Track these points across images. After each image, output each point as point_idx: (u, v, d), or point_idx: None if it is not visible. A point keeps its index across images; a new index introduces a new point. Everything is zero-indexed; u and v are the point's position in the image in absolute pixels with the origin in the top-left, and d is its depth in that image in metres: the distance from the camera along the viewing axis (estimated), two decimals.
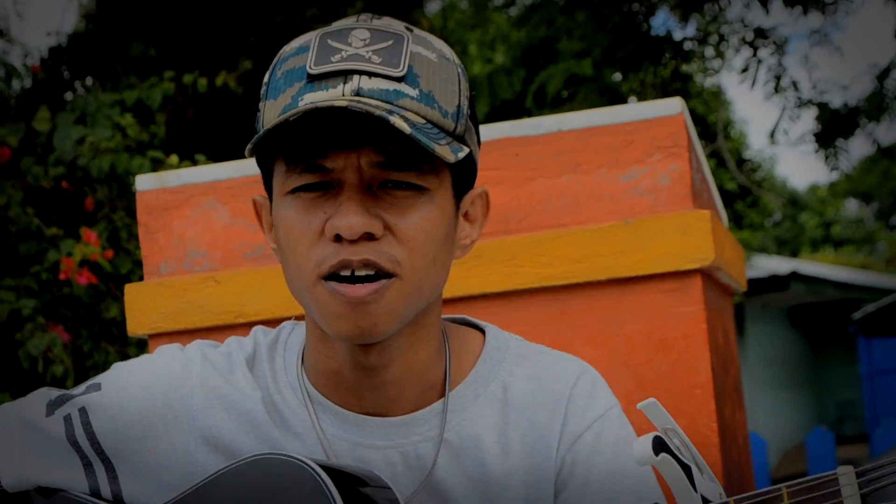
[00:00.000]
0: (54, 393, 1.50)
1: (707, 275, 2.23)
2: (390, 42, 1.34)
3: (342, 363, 1.42)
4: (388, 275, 1.33)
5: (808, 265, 20.61)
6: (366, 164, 1.32)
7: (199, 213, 2.30)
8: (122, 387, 1.48)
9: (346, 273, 1.32)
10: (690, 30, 7.97)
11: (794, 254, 29.27)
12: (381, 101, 1.30)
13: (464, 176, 1.42)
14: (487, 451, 1.45)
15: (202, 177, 2.31)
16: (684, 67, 8.30)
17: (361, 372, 1.42)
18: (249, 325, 2.17)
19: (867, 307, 17.07)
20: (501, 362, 1.50)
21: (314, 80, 1.31)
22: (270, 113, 1.33)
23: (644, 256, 2.16)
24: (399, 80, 1.32)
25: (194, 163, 5.00)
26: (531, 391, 1.48)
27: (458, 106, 1.37)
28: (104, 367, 4.74)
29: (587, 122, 2.21)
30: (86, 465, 1.45)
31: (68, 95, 7.21)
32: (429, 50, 1.36)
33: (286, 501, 1.31)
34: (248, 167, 2.31)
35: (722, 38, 7.77)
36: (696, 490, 1.13)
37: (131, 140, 5.06)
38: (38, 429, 1.46)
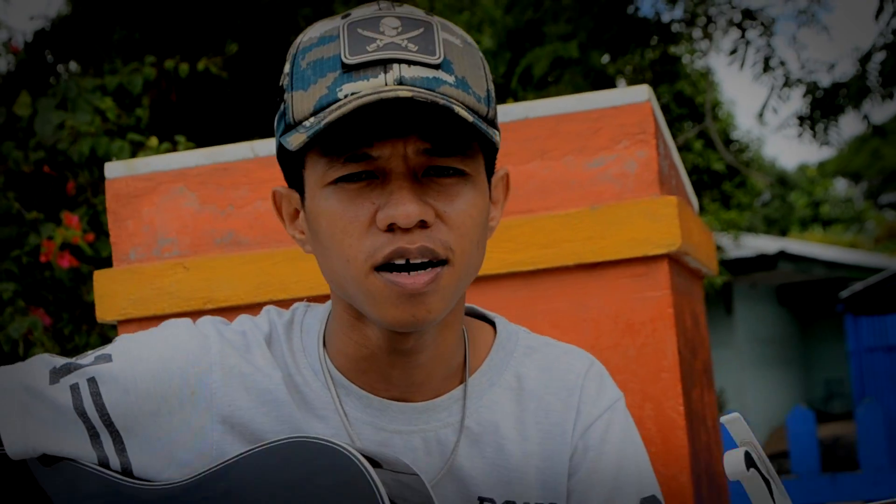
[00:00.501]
0: (58, 360, 1.46)
1: (674, 260, 2.25)
2: (421, 30, 1.34)
3: (375, 348, 1.43)
4: (441, 261, 1.34)
5: (796, 244, 20.66)
6: (412, 152, 1.32)
7: (168, 201, 2.30)
8: (135, 359, 1.45)
9: (401, 262, 1.32)
10: (678, 12, 7.98)
11: (784, 233, 29.32)
12: (424, 88, 1.30)
13: (492, 159, 1.44)
14: (506, 437, 1.49)
15: (171, 164, 2.32)
16: (672, 49, 8.31)
17: (396, 356, 1.43)
18: (218, 312, 2.19)
19: (855, 286, 17.14)
20: (512, 353, 1.54)
21: (351, 69, 1.31)
22: (302, 104, 1.33)
23: (611, 242, 2.17)
24: (436, 67, 1.32)
25: (174, 145, 4.99)
26: (544, 381, 1.53)
27: (488, 90, 1.38)
28: (85, 349, 4.75)
29: (555, 109, 2.22)
30: (92, 436, 1.42)
31: (53, 80, 7.19)
32: (454, 36, 1.37)
33: (325, 487, 1.30)
34: (217, 154, 2.31)
35: (710, 19, 7.78)
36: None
37: (111, 124, 5.05)
38: (42, 395, 1.43)
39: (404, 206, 1.30)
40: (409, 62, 1.31)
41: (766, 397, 18.07)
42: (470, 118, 1.29)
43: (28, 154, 4.97)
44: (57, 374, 1.44)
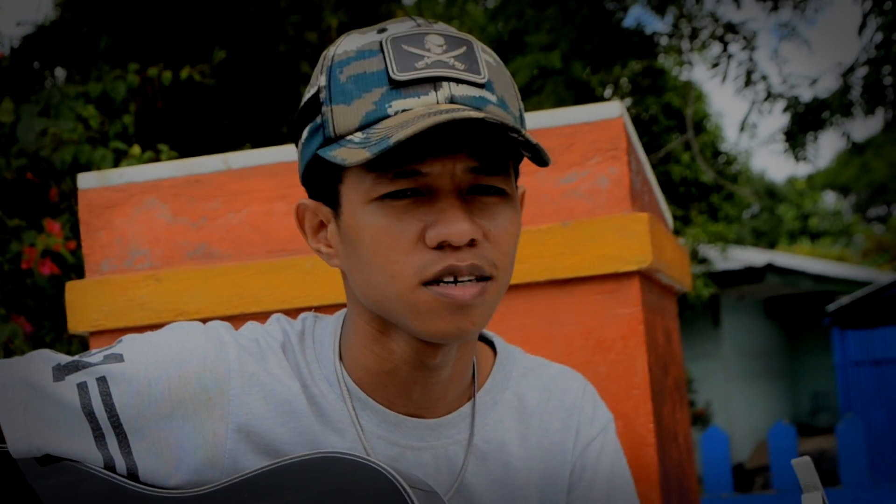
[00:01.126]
0: (62, 358, 1.43)
1: (646, 276, 2.25)
2: (465, 48, 1.35)
3: (399, 363, 1.43)
4: (486, 278, 1.35)
5: (783, 257, 20.69)
6: (460, 170, 1.32)
7: (141, 212, 2.30)
8: (150, 361, 1.42)
9: (450, 279, 1.33)
10: (663, 24, 8.02)
11: (772, 245, 29.36)
12: (474, 108, 1.31)
13: (517, 177, 1.45)
14: (511, 456, 1.51)
15: (144, 175, 2.31)
16: (660, 62, 8.32)
17: (420, 371, 1.43)
18: None
19: (842, 299, 17.14)
20: (511, 372, 1.56)
21: (400, 86, 1.31)
22: (346, 119, 1.32)
23: (582, 258, 2.17)
24: (482, 86, 1.33)
25: (157, 153, 4.99)
26: (543, 401, 1.56)
27: (520, 109, 1.40)
28: None
29: (527, 124, 2.22)
30: (97, 437, 1.39)
31: (38, 86, 7.18)
32: (489, 55, 1.38)
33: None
34: (190, 166, 2.31)
35: (694, 32, 7.80)
36: None
37: (94, 132, 5.04)
38: (46, 393, 1.38)
39: (458, 225, 1.31)
40: (458, 80, 1.32)
41: (752, 410, 18.08)
42: (534, 140, 1.30)
43: (10, 161, 4.96)
44: (62, 372, 1.40)
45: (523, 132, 1.29)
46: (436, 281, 1.32)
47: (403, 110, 1.30)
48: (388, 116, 1.30)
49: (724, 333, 17.45)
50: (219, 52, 6.51)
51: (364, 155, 1.27)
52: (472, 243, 1.33)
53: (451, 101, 1.31)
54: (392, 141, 1.25)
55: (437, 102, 1.30)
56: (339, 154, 1.31)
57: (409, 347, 1.41)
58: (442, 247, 1.32)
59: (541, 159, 1.33)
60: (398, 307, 1.35)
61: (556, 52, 7.09)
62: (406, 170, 1.31)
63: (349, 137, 1.32)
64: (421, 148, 1.30)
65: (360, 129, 1.31)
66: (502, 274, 1.37)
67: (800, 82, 7.36)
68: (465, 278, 1.32)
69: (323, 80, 1.36)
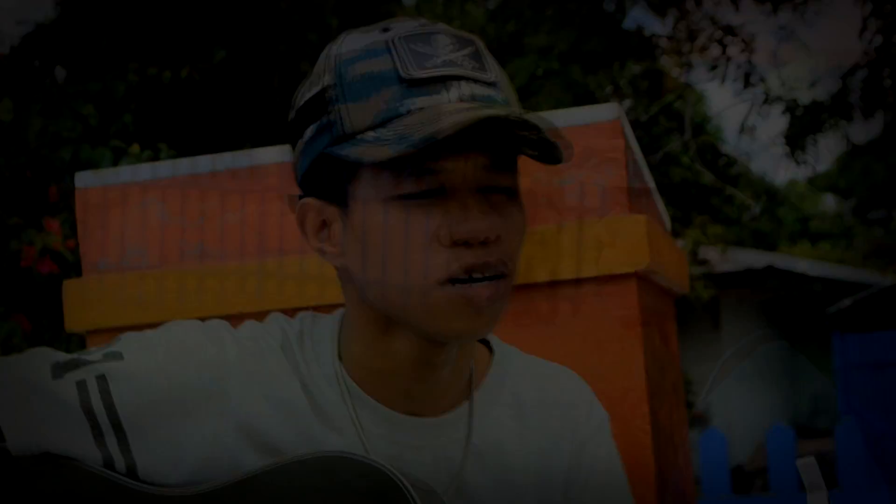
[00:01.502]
0: (61, 355, 1.42)
1: (643, 278, 2.25)
2: (472, 48, 1.35)
3: (402, 362, 1.43)
4: (502, 275, 1.36)
5: (784, 259, 20.67)
6: (476, 168, 1.33)
7: (138, 211, 2.30)
8: (150, 359, 1.41)
9: (478, 275, 1.33)
10: (663, 26, 8.03)
11: (773, 247, 29.33)
12: (487, 106, 1.31)
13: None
14: (508, 454, 1.51)
15: (141, 174, 2.31)
16: (660, 63, 8.33)
17: (423, 369, 1.43)
18: None
19: (842, 302, 17.15)
20: (508, 371, 1.56)
21: (414, 84, 1.31)
22: (359, 117, 1.32)
23: (579, 260, 2.17)
24: (491, 85, 1.34)
25: (156, 152, 5.00)
26: (540, 400, 1.56)
27: (520, 111, 1.40)
28: None
29: None
30: (96, 435, 1.38)
31: (41, 83, 7.18)
32: (490, 56, 1.39)
33: None
34: (187, 165, 2.31)
35: (693, 34, 7.81)
36: None
37: (93, 130, 5.05)
38: (45, 391, 1.38)
39: (480, 221, 1.32)
40: (469, 79, 1.33)
41: (752, 412, 18.08)
42: (568, 139, 1.32)
43: (10, 159, 4.96)
44: (61, 369, 1.40)
45: (558, 128, 1.31)
46: (455, 279, 1.33)
47: (420, 108, 1.30)
48: (402, 115, 1.30)
49: (723, 335, 17.45)
50: (219, 52, 6.52)
51: (397, 150, 1.27)
52: (490, 240, 1.33)
53: (472, 98, 1.31)
54: (441, 135, 1.25)
55: (459, 100, 1.31)
56: (359, 152, 1.30)
57: (413, 346, 1.41)
58: (460, 244, 1.32)
59: (554, 158, 1.35)
60: (413, 306, 1.35)
61: (555, 53, 7.09)
62: (425, 168, 1.32)
63: (363, 136, 1.31)
64: (440, 146, 1.29)
65: (374, 127, 1.31)
66: (514, 271, 1.38)
67: (799, 85, 7.38)
68: (487, 274, 1.33)
69: (329, 79, 1.36)
